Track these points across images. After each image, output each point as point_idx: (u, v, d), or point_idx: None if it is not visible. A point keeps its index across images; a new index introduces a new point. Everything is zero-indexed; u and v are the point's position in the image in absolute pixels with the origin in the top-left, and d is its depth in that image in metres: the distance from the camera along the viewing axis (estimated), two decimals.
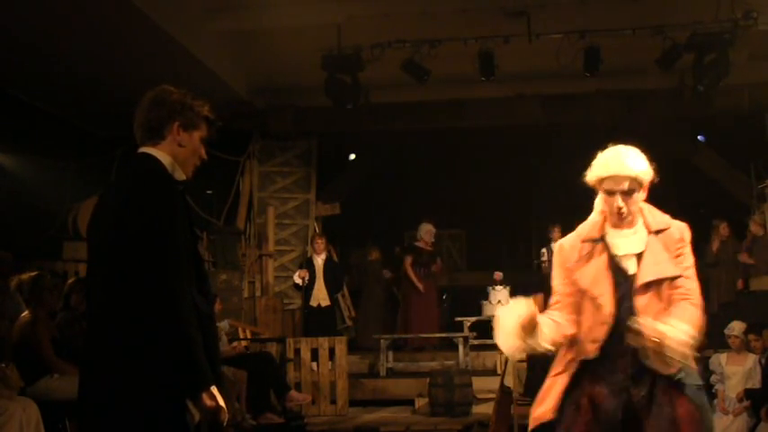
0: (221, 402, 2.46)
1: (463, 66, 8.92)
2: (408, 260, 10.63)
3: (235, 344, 8.42)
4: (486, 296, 10.34)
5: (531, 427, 3.05)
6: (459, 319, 10.17)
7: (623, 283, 2.98)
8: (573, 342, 3.04)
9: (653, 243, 3.01)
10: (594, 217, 3.13)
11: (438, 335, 10.36)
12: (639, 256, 3.00)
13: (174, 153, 2.68)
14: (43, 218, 9.97)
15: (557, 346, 3.05)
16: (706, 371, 6.78)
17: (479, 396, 8.34)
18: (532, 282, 11.23)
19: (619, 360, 2.94)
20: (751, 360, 6.85)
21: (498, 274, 10.67)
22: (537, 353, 3.01)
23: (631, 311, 2.91)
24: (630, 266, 3.00)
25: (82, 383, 2.55)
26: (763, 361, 6.77)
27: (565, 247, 3.14)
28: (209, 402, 2.43)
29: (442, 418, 8.00)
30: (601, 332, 2.95)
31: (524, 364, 7.71)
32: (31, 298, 5.73)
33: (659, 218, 3.08)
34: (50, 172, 10.31)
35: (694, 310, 2.91)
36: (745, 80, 9.68)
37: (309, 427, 8.03)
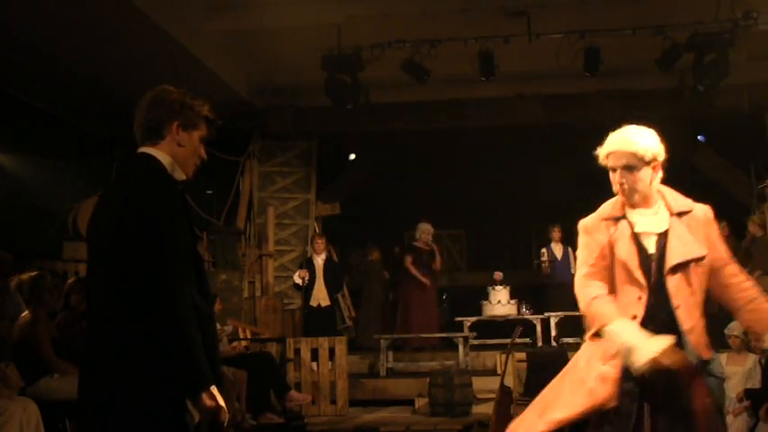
0: (221, 402, 2.46)
1: (463, 66, 8.92)
2: (409, 259, 10.64)
3: (235, 344, 8.42)
4: (486, 296, 10.34)
5: (587, 413, 2.97)
6: (459, 319, 10.17)
7: (645, 260, 2.99)
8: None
9: (676, 225, 3.02)
10: (616, 198, 3.15)
11: (438, 335, 10.37)
12: (661, 237, 3.01)
13: (173, 153, 2.68)
14: (43, 218, 9.98)
15: None
16: None
17: (479, 396, 8.34)
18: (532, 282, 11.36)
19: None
20: (751, 360, 6.84)
21: (498, 274, 10.67)
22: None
23: (661, 293, 2.93)
24: (650, 245, 3.02)
25: (82, 383, 2.55)
26: (763, 361, 6.76)
27: (588, 226, 3.15)
28: (208, 402, 2.43)
29: (442, 418, 8.00)
30: (639, 308, 2.95)
31: (524, 364, 7.72)
32: (31, 298, 5.73)
33: (681, 200, 3.10)
34: (50, 172, 10.32)
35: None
36: (745, 80, 9.68)
37: (309, 427, 8.03)
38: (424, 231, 10.72)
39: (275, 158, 11.52)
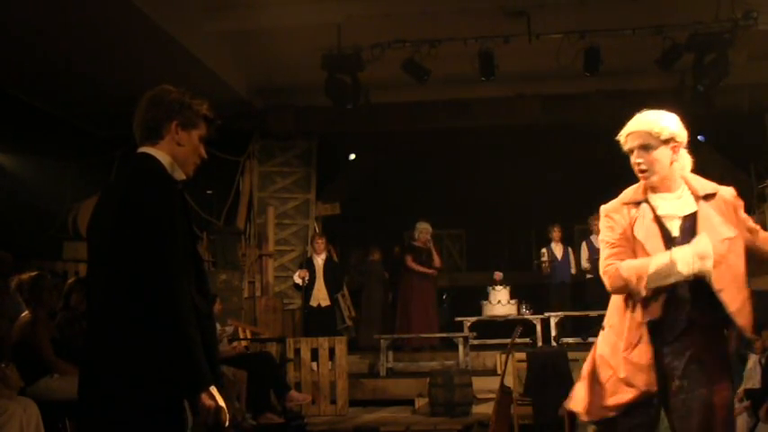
0: (221, 403, 2.46)
1: (463, 66, 8.91)
2: (409, 258, 10.64)
3: (235, 344, 8.41)
4: (486, 296, 10.34)
5: (631, 403, 2.95)
6: (459, 319, 10.17)
7: (669, 242, 2.98)
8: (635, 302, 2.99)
9: (704, 208, 3.01)
10: (638, 183, 3.15)
11: (438, 335, 10.37)
12: (686, 220, 3.01)
13: (173, 152, 2.68)
14: (43, 218, 9.98)
15: None
16: None
17: (479, 396, 8.34)
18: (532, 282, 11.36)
19: (676, 323, 2.94)
20: (751, 360, 6.84)
21: (498, 274, 10.67)
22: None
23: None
24: (674, 228, 3.01)
25: (82, 383, 2.54)
26: (763, 361, 6.76)
27: (609, 210, 3.15)
28: (208, 402, 2.43)
29: (442, 418, 8.00)
30: (664, 289, 2.94)
31: (524, 364, 7.71)
32: (31, 298, 5.72)
33: (706, 183, 3.11)
34: (50, 172, 10.31)
35: None
36: (745, 80, 9.67)
37: (309, 427, 8.03)
38: (423, 231, 10.72)
39: (275, 158, 11.52)
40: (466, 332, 9.81)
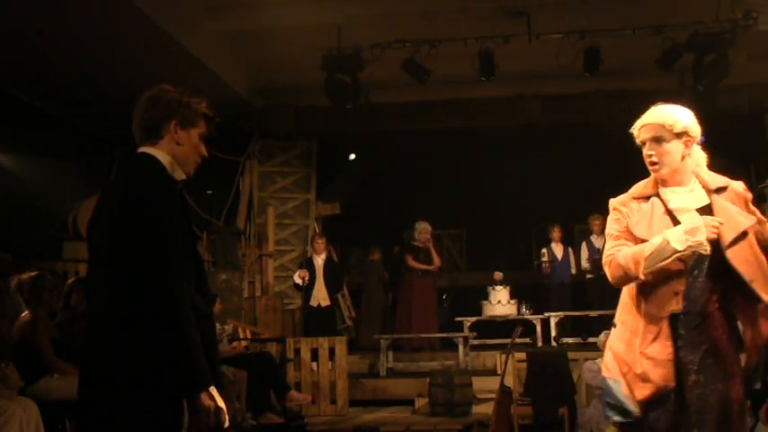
0: (221, 403, 2.46)
1: (463, 66, 8.92)
2: (409, 258, 10.64)
3: (235, 344, 8.41)
4: (486, 296, 10.34)
5: (649, 398, 2.94)
6: (459, 319, 10.17)
7: None
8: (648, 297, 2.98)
9: (718, 201, 3.01)
10: (649, 177, 3.15)
11: (438, 335, 10.37)
12: (698, 213, 2.99)
13: (173, 152, 2.67)
14: (43, 218, 9.98)
15: None
16: None
17: (479, 396, 8.34)
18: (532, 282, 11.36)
19: (692, 316, 2.94)
20: None
21: (498, 274, 10.67)
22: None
23: (706, 269, 2.92)
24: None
25: (82, 383, 2.54)
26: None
27: (618, 203, 3.15)
28: (208, 403, 2.42)
29: (442, 418, 8.00)
30: (680, 283, 2.94)
31: (524, 364, 7.72)
32: (31, 298, 5.72)
33: (717, 177, 3.11)
34: (50, 172, 10.32)
35: None
36: (745, 80, 9.68)
37: (309, 427, 8.03)
38: (423, 231, 10.72)
39: (275, 158, 11.52)
40: (466, 332, 9.80)
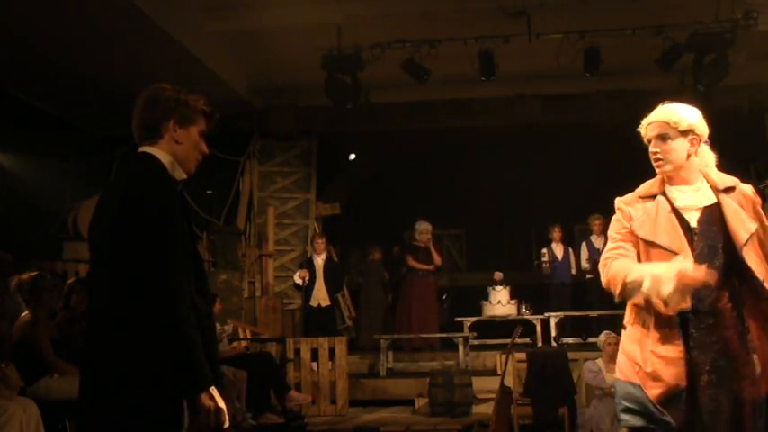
0: (221, 404, 2.46)
1: (463, 66, 8.92)
2: (409, 258, 10.65)
3: (235, 344, 8.42)
4: (486, 296, 10.34)
5: (660, 398, 2.90)
6: (459, 319, 10.17)
7: (688, 233, 2.97)
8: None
9: (727, 200, 3.00)
10: (655, 177, 3.15)
11: (438, 335, 10.37)
12: (704, 212, 2.99)
13: (173, 151, 2.67)
14: (43, 218, 9.98)
15: None
16: None
17: (479, 396, 8.34)
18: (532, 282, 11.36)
19: (703, 316, 2.92)
20: None
21: (498, 274, 10.67)
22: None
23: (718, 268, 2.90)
24: (692, 219, 3.00)
25: (82, 383, 2.54)
26: None
27: (622, 205, 3.14)
28: (208, 403, 2.42)
29: (442, 418, 8.00)
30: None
31: (524, 364, 7.72)
32: (31, 298, 5.73)
33: (725, 177, 3.10)
34: (50, 172, 10.32)
35: None
36: (745, 80, 9.68)
37: (309, 427, 8.03)
38: (423, 231, 10.72)
39: (275, 158, 11.52)
40: (466, 332, 9.80)
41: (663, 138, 3.03)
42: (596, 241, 10.32)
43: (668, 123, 3.03)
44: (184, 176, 2.70)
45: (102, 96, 9.36)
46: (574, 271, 10.81)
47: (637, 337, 3.01)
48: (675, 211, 3.01)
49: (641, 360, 2.95)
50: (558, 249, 10.88)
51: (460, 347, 9.44)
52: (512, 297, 10.27)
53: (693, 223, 2.99)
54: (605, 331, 7.25)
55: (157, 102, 2.67)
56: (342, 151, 12.75)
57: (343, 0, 8.46)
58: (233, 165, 11.12)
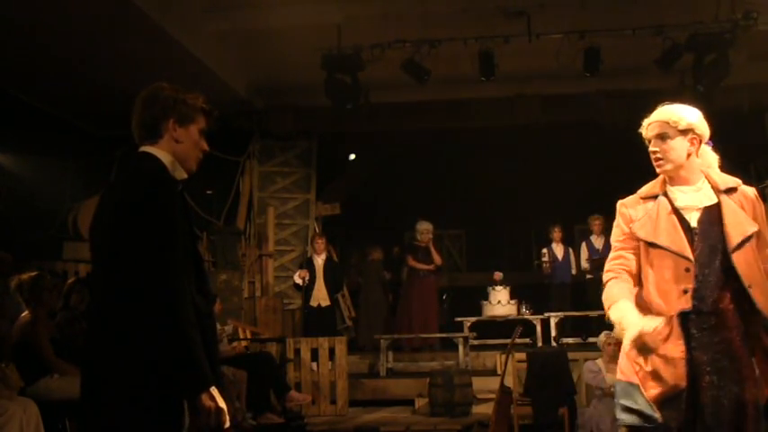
0: (221, 404, 2.45)
1: (463, 66, 8.92)
2: (410, 258, 10.66)
3: (235, 344, 8.42)
4: (486, 296, 10.33)
5: (658, 398, 2.91)
6: (459, 319, 10.17)
7: (688, 233, 2.97)
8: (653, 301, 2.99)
9: (727, 201, 3.01)
10: (657, 178, 3.16)
11: (438, 335, 10.37)
12: (705, 212, 3.00)
13: (173, 150, 2.66)
14: (43, 218, 9.98)
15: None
16: None
17: (479, 396, 8.34)
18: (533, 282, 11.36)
19: (703, 316, 2.93)
20: None
21: (498, 274, 10.66)
22: None
23: (714, 270, 2.92)
24: (692, 219, 3.00)
25: (83, 384, 2.54)
26: None
27: (626, 206, 3.15)
28: (208, 403, 2.42)
29: (442, 418, 8.00)
30: (688, 281, 2.92)
31: (524, 364, 7.72)
32: (31, 298, 5.72)
33: (727, 178, 3.10)
34: (50, 172, 10.31)
35: None
36: (745, 80, 9.67)
37: (309, 427, 8.03)
38: (424, 231, 10.72)
39: (275, 158, 11.53)
40: (466, 332, 9.80)
41: (662, 137, 3.04)
42: (596, 241, 10.31)
43: (668, 123, 3.04)
44: (185, 175, 2.70)
45: (102, 96, 9.36)
46: (574, 271, 10.80)
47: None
48: (676, 211, 3.02)
49: (642, 359, 2.95)
50: (558, 249, 10.88)
51: (460, 347, 9.44)
52: (512, 297, 10.27)
53: (694, 223, 3.00)
54: (605, 331, 7.24)
55: (156, 101, 2.66)
56: (342, 151, 12.75)
57: (343, 0, 8.47)
58: (233, 165, 11.12)
